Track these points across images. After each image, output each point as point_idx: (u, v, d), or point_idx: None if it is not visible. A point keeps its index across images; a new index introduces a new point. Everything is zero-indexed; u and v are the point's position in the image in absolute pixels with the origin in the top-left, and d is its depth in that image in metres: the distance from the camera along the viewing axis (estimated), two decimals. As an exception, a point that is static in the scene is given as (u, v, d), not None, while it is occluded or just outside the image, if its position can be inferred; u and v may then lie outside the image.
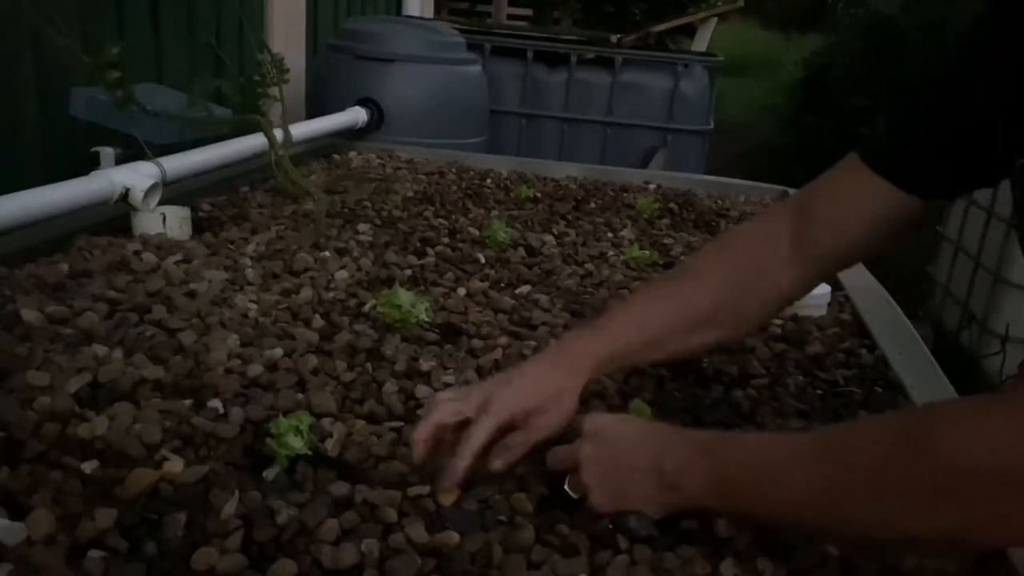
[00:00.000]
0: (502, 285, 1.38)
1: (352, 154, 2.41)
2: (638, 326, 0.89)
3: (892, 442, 0.61)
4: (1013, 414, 0.56)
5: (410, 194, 1.96)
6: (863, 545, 0.72)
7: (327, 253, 1.44)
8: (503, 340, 1.12)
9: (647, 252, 1.61)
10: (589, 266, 1.52)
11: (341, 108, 2.65)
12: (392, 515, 0.73)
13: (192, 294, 1.18)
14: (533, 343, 1.12)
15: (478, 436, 0.77)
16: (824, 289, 1.36)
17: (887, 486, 0.60)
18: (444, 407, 0.80)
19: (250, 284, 1.27)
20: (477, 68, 3.13)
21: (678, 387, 1.04)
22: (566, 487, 0.77)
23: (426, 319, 1.13)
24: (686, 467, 0.72)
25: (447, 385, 0.98)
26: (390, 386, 0.97)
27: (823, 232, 0.86)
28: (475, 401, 0.80)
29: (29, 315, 1.04)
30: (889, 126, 0.84)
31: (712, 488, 0.70)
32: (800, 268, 0.88)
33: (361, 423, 0.88)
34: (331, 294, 1.25)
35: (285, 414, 0.84)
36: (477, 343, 1.11)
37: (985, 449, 0.56)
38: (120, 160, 1.62)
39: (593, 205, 2.04)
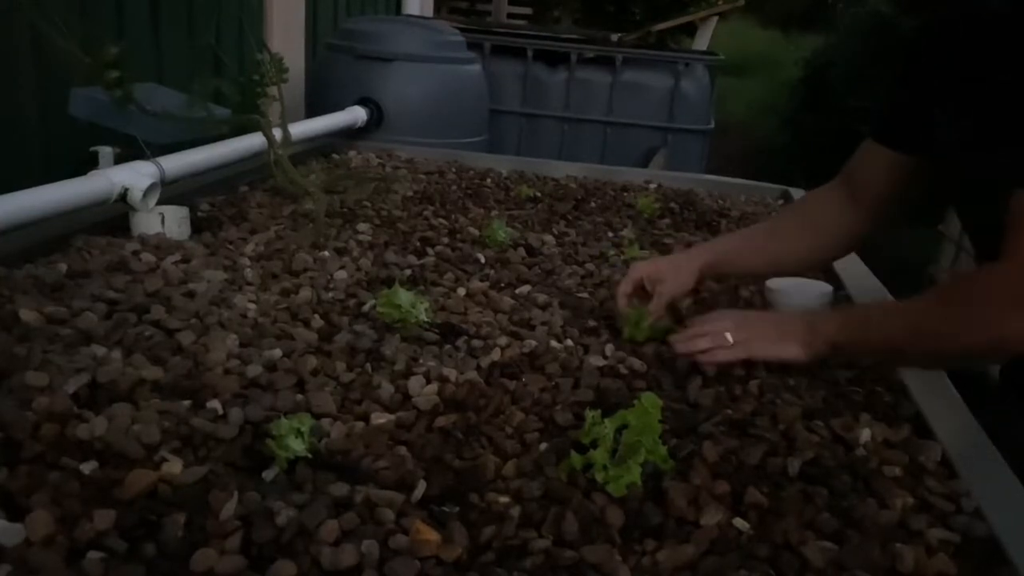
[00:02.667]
0: (502, 285, 1.38)
1: (352, 153, 2.41)
2: (736, 245, 1.34)
3: (958, 292, 1.04)
4: (1008, 274, 0.93)
5: (410, 194, 1.95)
6: (926, 361, 1.08)
7: (326, 253, 1.44)
8: (503, 340, 1.12)
9: (647, 252, 1.61)
10: (589, 266, 1.52)
11: (340, 107, 2.65)
12: (392, 516, 0.73)
13: (191, 294, 1.18)
14: (533, 343, 1.12)
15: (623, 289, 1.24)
16: (825, 288, 1.36)
17: (959, 318, 0.97)
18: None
19: (249, 284, 1.26)
20: (477, 67, 3.13)
21: (681, 386, 1.04)
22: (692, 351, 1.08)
23: (426, 319, 1.12)
24: (823, 318, 1.09)
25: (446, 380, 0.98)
26: (389, 386, 0.96)
27: (863, 185, 1.25)
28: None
29: (28, 315, 1.04)
30: (879, 106, 1.28)
31: (839, 328, 1.05)
32: (858, 210, 1.26)
33: (361, 424, 0.88)
34: (330, 294, 1.25)
35: (284, 415, 0.84)
36: (477, 343, 1.11)
37: (1002, 286, 0.93)
38: (119, 160, 1.62)
39: (593, 205, 2.04)
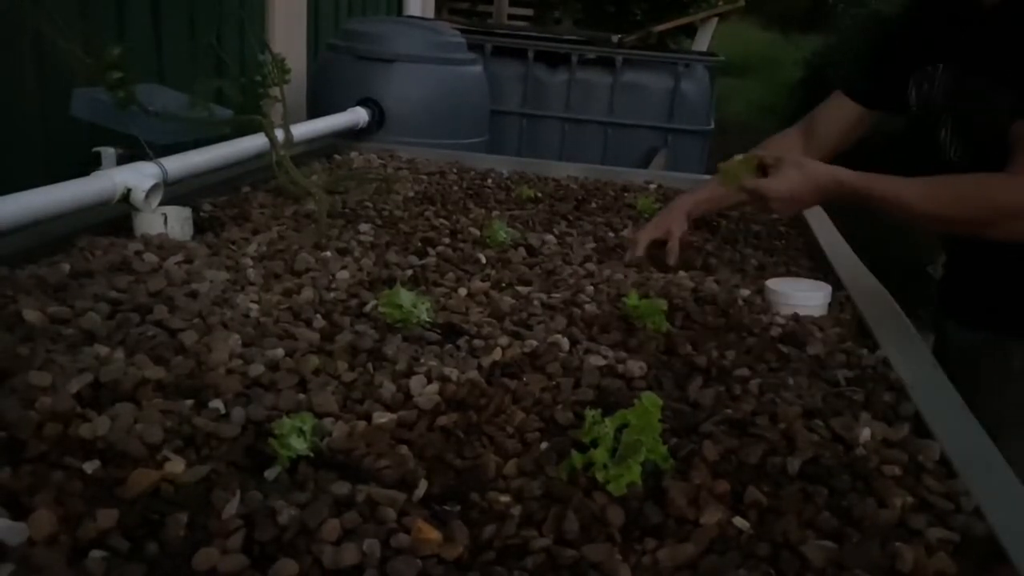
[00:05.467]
0: (503, 285, 1.38)
1: (353, 154, 2.41)
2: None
3: (969, 194, 1.31)
4: (1010, 180, 1.27)
5: (411, 194, 1.96)
6: (925, 223, 1.39)
7: (328, 253, 1.44)
8: (504, 340, 1.12)
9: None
10: (590, 266, 1.52)
11: (342, 108, 2.65)
12: (393, 515, 0.73)
13: (193, 294, 1.19)
14: (534, 342, 1.12)
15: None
16: (825, 289, 1.36)
17: (968, 216, 1.30)
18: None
19: (251, 284, 1.27)
20: (478, 68, 3.13)
21: (681, 385, 1.04)
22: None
23: (427, 319, 1.13)
24: (835, 177, 1.36)
25: (447, 380, 0.98)
26: (391, 386, 0.97)
27: (818, 136, 1.65)
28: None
29: (31, 315, 1.04)
30: (849, 65, 1.98)
31: (855, 185, 1.34)
32: (811, 153, 1.57)
33: (363, 423, 0.88)
34: (332, 294, 1.25)
35: (287, 414, 0.84)
36: (478, 343, 1.11)
37: (1009, 199, 1.27)
38: (122, 160, 1.62)
39: (594, 205, 2.04)
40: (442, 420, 0.90)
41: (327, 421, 0.88)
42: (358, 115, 2.66)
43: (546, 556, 0.70)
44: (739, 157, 1.46)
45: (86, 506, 0.70)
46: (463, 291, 1.32)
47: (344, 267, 1.37)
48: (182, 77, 2.42)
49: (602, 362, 1.08)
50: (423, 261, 1.45)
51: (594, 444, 0.82)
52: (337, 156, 2.37)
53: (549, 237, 1.68)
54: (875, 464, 0.87)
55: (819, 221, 1.95)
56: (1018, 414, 1.38)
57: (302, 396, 0.93)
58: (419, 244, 1.55)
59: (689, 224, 1.65)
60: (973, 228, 1.33)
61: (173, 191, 1.55)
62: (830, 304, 1.36)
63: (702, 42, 6.30)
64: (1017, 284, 1.44)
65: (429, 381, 0.98)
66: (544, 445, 0.87)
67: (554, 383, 1.01)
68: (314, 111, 2.88)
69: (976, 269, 1.52)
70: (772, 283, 1.38)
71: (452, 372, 1.01)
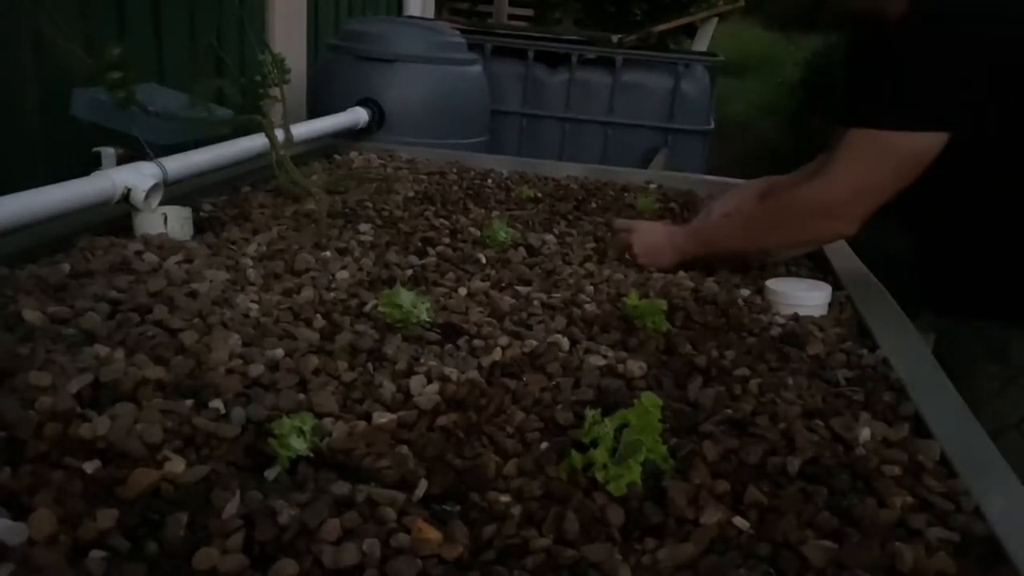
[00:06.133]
0: (503, 285, 1.38)
1: (353, 154, 2.42)
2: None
3: (775, 205, 1.50)
4: (818, 183, 1.38)
5: (411, 194, 1.96)
6: (761, 253, 1.57)
7: (328, 253, 1.44)
8: (504, 340, 1.12)
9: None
10: (590, 266, 1.52)
11: (342, 108, 2.65)
12: (393, 515, 0.73)
13: (193, 294, 1.19)
14: (534, 342, 1.12)
15: None
16: (825, 289, 1.36)
17: (776, 223, 1.48)
18: None
19: (251, 284, 1.27)
20: (478, 68, 3.13)
21: (681, 385, 1.04)
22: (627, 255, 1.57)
23: (427, 319, 1.13)
24: (683, 238, 1.54)
25: (447, 380, 0.98)
26: (391, 386, 0.97)
27: None
28: None
29: (31, 315, 1.04)
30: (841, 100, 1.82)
31: (687, 241, 1.52)
32: None
33: (363, 423, 0.88)
34: (332, 294, 1.25)
35: (286, 414, 0.84)
36: (478, 343, 1.11)
37: (806, 199, 1.41)
38: (122, 160, 1.62)
39: (594, 205, 2.04)
40: (442, 420, 0.90)
41: (327, 421, 0.88)
42: (358, 115, 2.66)
43: (546, 556, 0.70)
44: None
45: (86, 506, 0.70)
46: (463, 291, 1.32)
47: (344, 267, 1.37)
48: (182, 77, 2.42)
49: (602, 362, 1.08)
50: (423, 261, 1.45)
51: (594, 444, 0.82)
52: (337, 156, 2.37)
53: (549, 237, 1.68)
54: (875, 464, 0.87)
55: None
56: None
57: (302, 396, 0.93)
58: (419, 244, 1.55)
59: None
60: (791, 235, 1.48)
61: (173, 191, 1.55)
62: (830, 304, 1.36)
63: (702, 42, 6.30)
64: (983, 270, 1.44)
65: (429, 381, 0.99)
66: (544, 445, 0.87)
67: (554, 383, 1.01)
68: (314, 111, 2.88)
69: (944, 254, 1.51)
70: (772, 283, 1.38)
71: (452, 372, 1.01)
